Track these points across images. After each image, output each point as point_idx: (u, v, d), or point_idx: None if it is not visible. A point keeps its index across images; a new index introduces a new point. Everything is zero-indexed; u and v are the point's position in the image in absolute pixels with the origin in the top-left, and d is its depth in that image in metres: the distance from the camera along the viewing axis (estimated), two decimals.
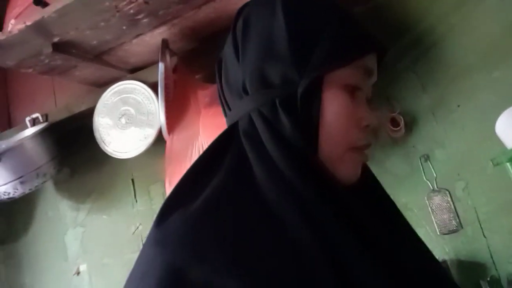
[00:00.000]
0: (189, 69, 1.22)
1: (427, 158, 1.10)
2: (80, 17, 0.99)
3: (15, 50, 1.08)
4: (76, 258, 1.51)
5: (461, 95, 1.09)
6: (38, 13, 0.97)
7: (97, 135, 1.30)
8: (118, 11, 1.00)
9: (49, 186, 1.55)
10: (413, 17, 1.14)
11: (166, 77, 1.12)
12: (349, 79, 0.48)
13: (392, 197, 0.58)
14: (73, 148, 1.47)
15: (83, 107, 1.35)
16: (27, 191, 1.32)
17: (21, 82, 1.63)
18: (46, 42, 1.06)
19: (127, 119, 1.26)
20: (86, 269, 1.49)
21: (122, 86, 1.28)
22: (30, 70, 1.20)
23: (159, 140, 1.20)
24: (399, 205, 0.57)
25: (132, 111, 1.26)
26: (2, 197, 1.32)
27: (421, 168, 1.10)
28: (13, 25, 1.03)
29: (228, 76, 0.52)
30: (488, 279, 1.01)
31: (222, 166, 0.46)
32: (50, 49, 1.07)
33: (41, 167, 1.32)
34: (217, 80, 0.55)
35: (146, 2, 0.98)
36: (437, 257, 1.04)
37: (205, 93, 1.13)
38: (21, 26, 0.99)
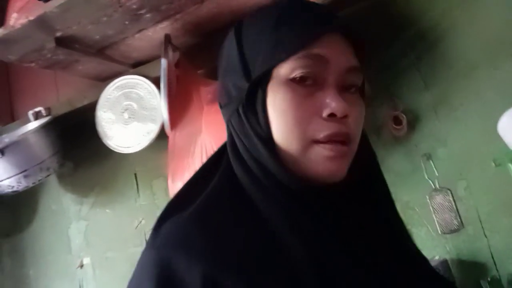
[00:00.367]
0: (191, 64, 1.21)
1: (429, 157, 1.10)
2: (82, 12, 0.99)
3: (17, 44, 1.08)
4: (79, 252, 1.52)
5: (464, 93, 1.08)
6: (41, 8, 0.97)
7: (99, 129, 1.30)
8: (120, 6, 0.99)
9: (53, 180, 1.56)
10: (417, 13, 1.13)
11: (168, 72, 1.12)
12: (292, 72, 0.48)
13: (393, 195, 0.57)
14: (76, 142, 1.47)
15: (85, 102, 1.35)
16: (30, 185, 1.33)
17: (23, 76, 1.63)
18: (48, 36, 1.06)
19: (129, 114, 1.27)
20: (89, 262, 1.50)
21: (124, 81, 1.28)
22: (33, 65, 1.20)
23: (162, 135, 1.20)
24: (401, 203, 0.56)
25: (135, 106, 1.26)
26: (6, 191, 1.33)
27: (423, 167, 1.10)
28: (15, 19, 1.03)
29: None
30: (489, 279, 1.01)
31: (217, 173, 0.51)
32: (52, 44, 1.07)
33: (45, 161, 1.32)
34: None
35: None
36: (438, 257, 1.04)
37: (208, 90, 1.13)
38: (23, 20, 0.99)
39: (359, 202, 0.53)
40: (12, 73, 1.67)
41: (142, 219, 1.42)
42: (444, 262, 1.04)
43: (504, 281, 1.00)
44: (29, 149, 1.31)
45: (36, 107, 1.40)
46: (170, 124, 1.14)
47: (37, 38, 1.06)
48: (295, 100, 0.47)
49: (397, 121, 1.10)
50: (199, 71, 1.25)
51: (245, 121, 0.50)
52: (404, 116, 1.10)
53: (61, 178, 1.56)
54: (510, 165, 0.85)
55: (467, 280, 1.04)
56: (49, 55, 1.15)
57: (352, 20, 1.10)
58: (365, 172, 0.54)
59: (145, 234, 1.39)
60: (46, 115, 1.40)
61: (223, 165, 0.52)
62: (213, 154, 0.56)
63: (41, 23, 1.00)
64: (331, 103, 0.47)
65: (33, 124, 1.39)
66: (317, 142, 0.47)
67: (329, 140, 0.47)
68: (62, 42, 1.09)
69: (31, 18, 0.98)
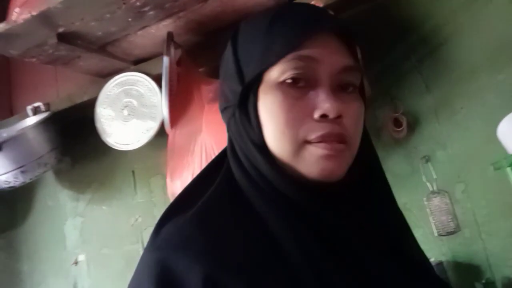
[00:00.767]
0: (193, 63, 1.21)
1: (428, 159, 1.11)
2: (86, 8, 0.99)
3: (19, 39, 1.08)
4: (74, 248, 1.51)
5: (465, 97, 1.09)
6: (44, 3, 0.97)
7: (98, 126, 1.30)
8: (124, 3, 0.99)
9: (50, 175, 1.55)
10: (419, 16, 1.14)
11: (170, 70, 1.12)
12: (282, 75, 0.47)
13: None
14: (75, 139, 1.47)
15: (85, 98, 1.35)
16: (27, 181, 1.32)
17: (23, 71, 1.62)
18: (51, 32, 1.06)
19: (129, 111, 1.26)
20: (84, 259, 1.49)
21: (125, 78, 1.28)
22: (34, 60, 1.19)
23: (161, 133, 1.20)
24: (398, 205, 0.56)
25: (135, 103, 1.26)
26: (2, 186, 1.32)
27: (422, 169, 1.11)
28: (18, 14, 1.03)
29: None
30: (484, 281, 1.02)
31: (218, 176, 0.52)
32: (55, 40, 1.07)
33: (42, 157, 1.32)
34: None
35: None
36: (433, 259, 1.05)
37: (209, 88, 1.13)
38: (26, 15, 0.99)
39: (360, 203, 0.53)
40: (13, 68, 1.66)
41: (139, 216, 1.42)
42: (440, 264, 1.05)
43: (499, 284, 1.02)
44: (27, 144, 1.30)
45: (35, 102, 1.40)
46: (170, 122, 1.14)
47: (40, 33, 1.06)
48: (286, 102, 0.47)
49: (397, 123, 1.11)
50: (200, 70, 1.25)
51: (240, 125, 0.50)
52: (404, 118, 1.10)
53: (58, 174, 1.55)
54: (509, 169, 0.85)
55: (462, 283, 1.05)
56: (50, 51, 1.14)
57: (353, 22, 1.11)
58: (366, 173, 0.53)
59: (141, 232, 1.38)
60: (45, 110, 1.39)
61: (224, 168, 0.53)
62: (215, 157, 0.57)
63: (44, 18, 1.00)
64: (323, 104, 0.46)
65: (32, 119, 1.39)
66: (309, 142, 0.47)
67: (322, 140, 0.46)
68: (64, 38, 1.09)
69: (34, 13, 0.98)
